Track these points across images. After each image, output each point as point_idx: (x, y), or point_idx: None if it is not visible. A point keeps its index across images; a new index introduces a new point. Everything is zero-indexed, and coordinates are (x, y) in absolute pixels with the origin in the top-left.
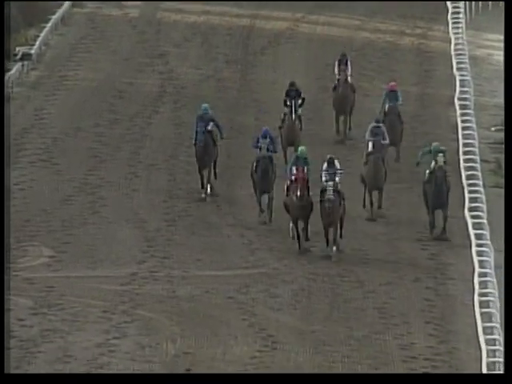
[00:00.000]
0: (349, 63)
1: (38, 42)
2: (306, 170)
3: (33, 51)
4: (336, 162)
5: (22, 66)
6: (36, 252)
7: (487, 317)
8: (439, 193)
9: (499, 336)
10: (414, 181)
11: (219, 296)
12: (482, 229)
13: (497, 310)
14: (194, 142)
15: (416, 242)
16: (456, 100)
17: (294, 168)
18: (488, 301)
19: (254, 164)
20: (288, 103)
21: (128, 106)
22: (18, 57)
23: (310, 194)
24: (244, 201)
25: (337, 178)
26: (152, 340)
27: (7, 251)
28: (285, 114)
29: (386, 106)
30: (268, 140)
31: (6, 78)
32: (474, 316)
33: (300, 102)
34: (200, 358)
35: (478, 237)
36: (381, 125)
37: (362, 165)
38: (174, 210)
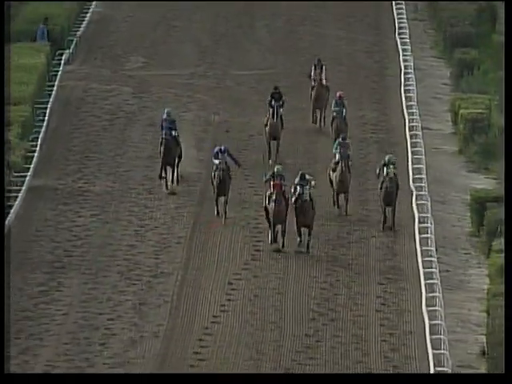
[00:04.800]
0: (323, 68)
1: None
2: (282, 182)
3: None
4: (307, 175)
5: None
6: (135, 59)
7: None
8: (389, 195)
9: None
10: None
11: (244, 86)
12: (407, 61)
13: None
14: (160, 140)
15: None
16: None
17: (271, 181)
18: (414, 125)
19: (212, 173)
20: (272, 104)
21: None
22: None
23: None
24: (249, 48)
25: (308, 187)
26: (204, 115)
27: (119, 59)
28: (269, 116)
29: (333, 113)
30: (225, 159)
31: None
32: (404, 116)
33: (281, 103)
34: (234, 124)
35: (406, 67)
36: (347, 141)
37: (330, 171)
38: (217, 33)
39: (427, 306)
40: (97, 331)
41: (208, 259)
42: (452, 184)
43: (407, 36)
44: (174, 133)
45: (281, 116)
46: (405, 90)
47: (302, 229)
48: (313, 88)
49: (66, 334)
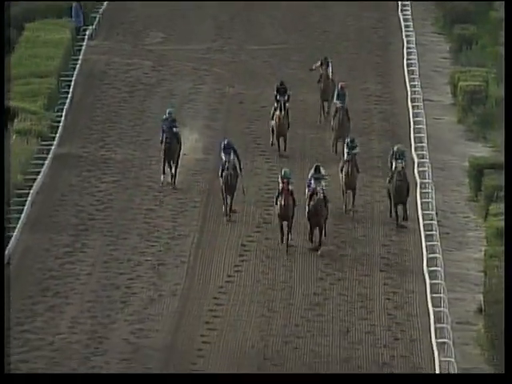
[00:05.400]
0: (330, 64)
1: None
2: (289, 184)
3: None
4: (322, 169)
5: None
6: (154, 35)
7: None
8: (400, 192)
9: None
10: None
11: (258, 60)
12: (410, 37)
13: (420, 83)
14: (160, 140)
15: None
16: None
17: (280, 182)
18: (416, 97)
19: (220, 171)
20: (278, 98)
21: None
22: None
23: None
24: (263, 25)
25: (323, 183)
26: (219, 87)
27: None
28: (275, 109)
29: (336, 105)
30: (231, 156)
31: None
32: (406, 89)
33: (287, 98)
34: (247, 96)
35: (408, 42)
36: (355, 143)
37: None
38: (233, 10)
39: (428, 266)
40: (118, 290)
41: (222, 222)
42: (451, 152)
43: (409, 13)
44: (175, 130)
45: (287, 111)
46: (407, 64)
47: (315, 229)
48: (319, 81)
49: (89, 292)
